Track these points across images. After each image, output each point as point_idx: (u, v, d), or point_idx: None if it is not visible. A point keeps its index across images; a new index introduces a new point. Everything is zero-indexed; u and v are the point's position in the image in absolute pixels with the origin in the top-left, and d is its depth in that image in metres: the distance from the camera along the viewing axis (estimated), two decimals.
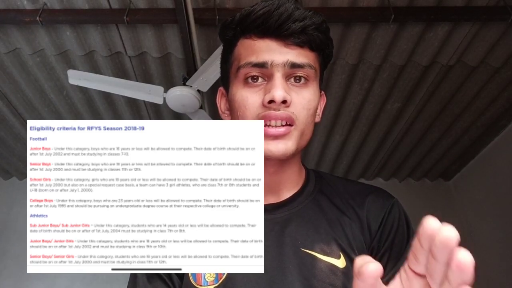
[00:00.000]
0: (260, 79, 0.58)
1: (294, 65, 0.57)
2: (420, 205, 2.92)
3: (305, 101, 0.58)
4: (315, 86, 0.61)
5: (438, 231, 0.28)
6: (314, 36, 0.58)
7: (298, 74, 0.58)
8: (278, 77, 0.56)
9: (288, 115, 0.56)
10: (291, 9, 0.56)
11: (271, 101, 0.55)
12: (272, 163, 0.61)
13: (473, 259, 0.27)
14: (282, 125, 0.56)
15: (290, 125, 0.57)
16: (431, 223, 0.29)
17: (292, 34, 0.57)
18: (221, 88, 0.69)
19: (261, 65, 0.57)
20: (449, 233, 0.27)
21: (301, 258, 0.57)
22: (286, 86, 0.57)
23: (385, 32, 1.82)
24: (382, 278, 0.57)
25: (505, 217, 2.44)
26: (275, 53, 0.57)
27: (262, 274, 0.55)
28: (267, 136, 0.56)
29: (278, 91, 0.55)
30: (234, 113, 0.61)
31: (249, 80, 0.59)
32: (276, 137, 0.56)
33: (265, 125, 0.56)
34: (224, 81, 0.67)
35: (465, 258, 0.27)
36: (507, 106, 2.28)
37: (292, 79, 0.58)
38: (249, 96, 0.58)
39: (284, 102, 0.55)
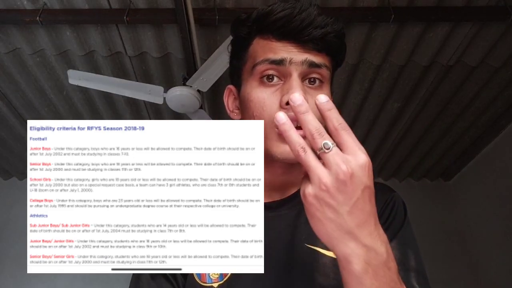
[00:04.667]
0: (276, 79, 0.58)
1: (312, 64, 0.57)
2: (420, 205, 2.93)
3: None
4: (328, 88, 0.61)
5: None
6: (332, 42, 0.58)
7: (314, 75, 0.58)
8: (295, 77, 0.56)
9: None
10: (313, 14, 0.56)
11: (288, 103, 0.55)
12: (280, 164, 0.60)
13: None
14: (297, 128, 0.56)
15: None
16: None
17: (311, 40, 0.57)
18: (229, 86, 0.68)
19: (279, 62, 0.56)
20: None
21: (305, 254, 0.57)
22: (303, 87, 0.56)
23: (385, 32, 1.82)
24: None
25: (505, 217, 2.44)
26: (293, 52, 0.57)
27: (268, 270, 0.55)
28: (281, 138, 0.56)
29: (296, 93, 0.55)
30: (248, 113, 0.60)
31: (265, 79, 0.58)
32: None
33: None
34: (235, 79, 0.66)
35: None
36: (507, 106, 2.28)
37: (307, 81, 0.58)
38: (266, 97, 0.57)
39: None
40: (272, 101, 0.57)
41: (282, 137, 0.55)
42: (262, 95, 0.57)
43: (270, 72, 0.57)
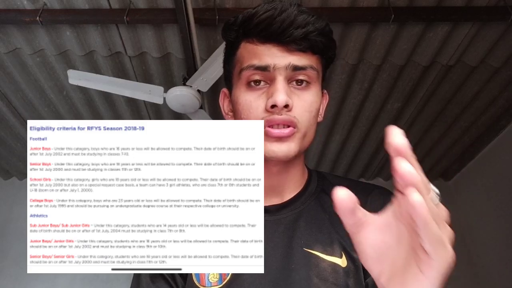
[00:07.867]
0: (262, 83, 0.59)
1: (296, 68, 0.57)
2: None
3: (306, 104, 0.58)
4: (317, 87, 0.61)
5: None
6: (317, 41, 0.58)
7: (300, 77, 0.58)
8: (280, 80, 0.57)
9: (290, 119, 0.57)
10: (293, 15, 0.56)
11: (273, 106, 0.56)
12: (275, 163, 0.61)
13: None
14: (285, 127, 0.57)
15: (293, 128, 0.57)
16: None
17: (294, 41, 0.57)
18: (224, 90, 0.69)
19: (263, 68, 0.58)
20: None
21: (304, 258, 0.57)
22: (288, 90, 0.57)
23: (385, 32, 1.82)
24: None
25: (505, 217, 2.44)
26: (277, 56, 0.57)
27: (267, 275, 0.56)
28: (271, 137, 0.57)
29: (280, 96, 0.55)
30: (237, 116, 0.62)
31: (252, 83, 0.59)
32: (279, 138, 0.57)
33: (269, 127, 0.57)
34: (227, 82, 0.68)
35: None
36: (507, 106, 2.28)
37: (294, 82, 0.59)
38: (252, 101, 0.58)
39: (286, 106, 0.56)
40: (258, 104, 0.58)
41: (270, 136, 0.56)
42: (249, 99, 0.59)
43: (256, 77, 0.58)
